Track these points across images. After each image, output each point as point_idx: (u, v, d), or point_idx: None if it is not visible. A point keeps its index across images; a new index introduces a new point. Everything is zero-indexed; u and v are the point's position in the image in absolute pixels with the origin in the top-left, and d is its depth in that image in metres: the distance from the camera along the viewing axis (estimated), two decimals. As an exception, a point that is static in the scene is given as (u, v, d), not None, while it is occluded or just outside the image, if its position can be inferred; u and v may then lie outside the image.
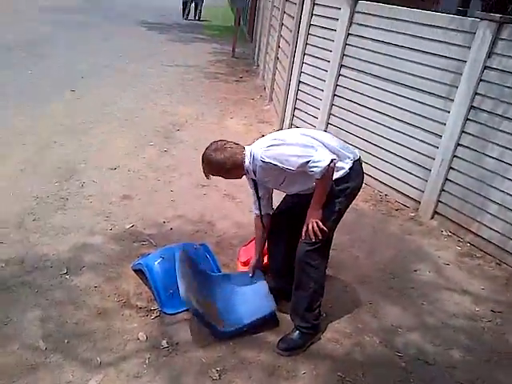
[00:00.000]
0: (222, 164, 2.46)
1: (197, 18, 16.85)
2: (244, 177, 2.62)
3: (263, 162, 2.38)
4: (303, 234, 2.47)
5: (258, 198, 2.68)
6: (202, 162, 2.51)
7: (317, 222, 2.42)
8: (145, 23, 14.62)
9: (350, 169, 2.49)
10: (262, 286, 2.83)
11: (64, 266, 3.01)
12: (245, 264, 3.19)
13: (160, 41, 12.12)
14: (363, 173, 2.65)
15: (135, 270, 3.00)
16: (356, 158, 2.57)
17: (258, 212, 2.73)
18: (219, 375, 2.32)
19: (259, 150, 2.42)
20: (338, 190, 2.47)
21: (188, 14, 16.70)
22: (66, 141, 5.07)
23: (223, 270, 3.08)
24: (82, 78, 7.70)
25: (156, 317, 2.67)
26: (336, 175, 2.41)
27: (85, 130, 5.48)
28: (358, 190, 2.64)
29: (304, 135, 2.48)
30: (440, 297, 3.20)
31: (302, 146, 2.37)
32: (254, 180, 2.60)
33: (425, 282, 3.36)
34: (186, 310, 2.73)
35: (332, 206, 2.48)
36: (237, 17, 12.05)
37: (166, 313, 2.70)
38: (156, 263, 2.88)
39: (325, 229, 2.43)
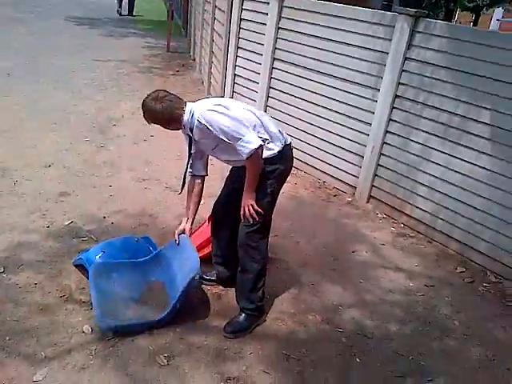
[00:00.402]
0: (159, 114, 2.48)
1: (130, 12, 16.45)
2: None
3: (199, 122, 2.43)
4: (241, 217, 2.55)
5: (189, 155, 2.67)
6: (142, 107, 2.51)
7: (252, 205, 2.51)
8: (75, 18, 14.06)
9: (279, 152, 2.58)
10: (188, 251, 2.75)
11: (0, 264, 2.90)
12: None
13: (91, 36, 11.72)
14: (293, 158, 2.77)
15: (76, 266, 2.94)
16: (287, 143, 2.68)
17: (190, 170, 2.73)
18: (167, 361, 2.35)
19: (199, 109, 2.45)
20: (268, 172, 2.56)
21: (120, 8, 16.30)
22: (-6, 139, 4.83)
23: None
24: (8, 76, 7.32)
25: (101, 309, 2.64)
26: (266, 154, 2.51)
27: (15, 127, 5.24)
28: (288, 173, 2.76)
29: (247, 110, 2.55)
30: (377, 275, 3.40)
31: (239, 122, 2.42)
32: (189, 136, 2.60)
33: (362, 262, 3.55)
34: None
35: (264, 187, 2.57)
36: (170, 11, 11.90)
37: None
38: (98, 257, 2.84)
39: (259, 210, 2.52)
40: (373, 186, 4.39)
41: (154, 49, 11.10)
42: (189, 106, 2.53)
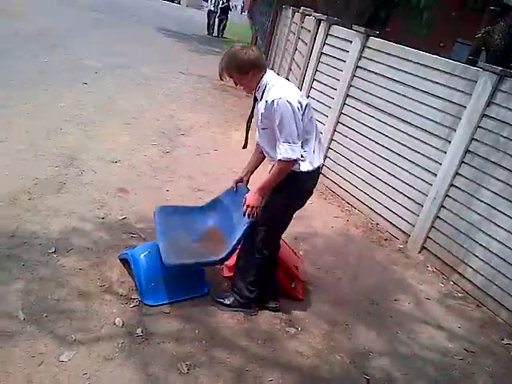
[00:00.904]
0: (243, 62, 2.52)
1: (220, 34, 17.14)
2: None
3: (272, 103, 2.45)
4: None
5: (251, 115, 2.78)
6: (224, 56, 2.57)
7: (252, 207, 2.66)
8: (166, 30, 14.89)
9: (314, 169, 2.67)
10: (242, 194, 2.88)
11: (53, 245, 3.05)
12: (230, 269, 3.23)
13: (177, 48, 12.34)
14: (318, 179, 2.86)
15: (121, 260, 3.04)
16: (321, 164, 2.78)
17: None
18: (187, 369, 2.35)
19: (281, 93, 2.46)
20: (296, 181, 2.64)
21: (213, 30, 17.06)
22: (72, 130, 5.15)
23: (208, 271, 3.11)
24: (96, 74, 7.84)
25: (135, 306, 2.71)
26: (303, 166, 2.60)
27: (92, 121, 5.57)
28: (310, 194, 2.86)
29: (312, 123, 2.65)
30: (416, 328, 3.25)
31: (299, 130, 2.48)
32: (255, 99, 2.68)
33: (403, 313, 3.41)
34: (166, 304, 2.78)
35: (284, 194, 2.68)
36: (254, 36, 12.31)
37: (145, 304, 2.74)
38: (142, 255, 2.91)
39: (255, 213, 2.68)
40: (428, 237, 4.24)
41: (234, 69, 11.45)
42: (269, 76, 2.59)
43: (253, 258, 2.81)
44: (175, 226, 3.03)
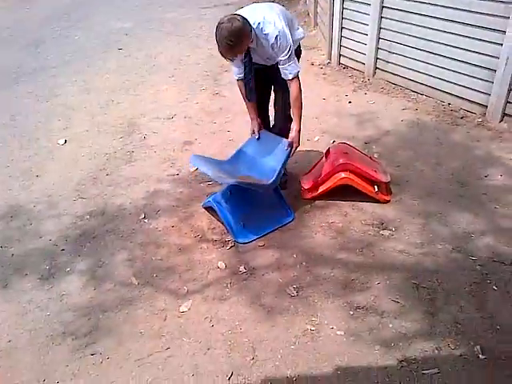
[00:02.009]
0: (243, 35, 2.60)
1: None
2: None
3: (276, 38, 2.67)
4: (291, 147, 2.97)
5: (249, 65, 2.89)
6: (222, 40, 2.56)
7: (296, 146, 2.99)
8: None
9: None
10: (270, 139, 3.10)
11: (141, 211, 3.23)
12: (309, 190, 3.25)
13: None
14: None
15: (206, 208, 3.16)
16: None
17: (241, 75, 2.98)
18: (297, 292, 2.46)
19: (275, 25, 2.69)
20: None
21: None
22: (122, 98, 5.25)
23: (289, 200, 3.15)
24: (126, 35, 7.79)
25: (231, 247, 2.83)
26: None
27: (138, 84, 5.62)
28: None
29: (292, 24, 2.96)
30: (514, 199, 3.11)
31: (293, 46, 2.79)
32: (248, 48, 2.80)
33: (497, 187, 3.26)
34: (259, 238, 2.88)
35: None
36: None
37: (239, 242, 2.85)
38: (224, 199, 3.00)
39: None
40: (508, 101, 3.92)
41: (257, -14, 10.83)
42: (250, 19, 2.66)
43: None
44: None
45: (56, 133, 4.48)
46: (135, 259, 2.79)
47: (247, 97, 3.10)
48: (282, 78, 2.89)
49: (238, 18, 2.61)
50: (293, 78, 2.84)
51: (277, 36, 2.68)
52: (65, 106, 5.12)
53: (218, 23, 2.60)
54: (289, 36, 2.73)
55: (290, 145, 2.95)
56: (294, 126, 2.96)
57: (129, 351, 2.19)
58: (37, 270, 2.76)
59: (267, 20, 2.70)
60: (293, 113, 2.97)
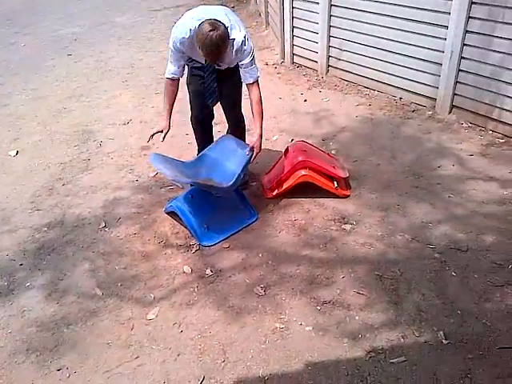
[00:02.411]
0: (227, 35, 2.59)
1: None
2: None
3: (243, 45, 2.72)
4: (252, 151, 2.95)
5: (207, 67, 2.95)
6: (218, 44, 2.51)
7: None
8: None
9: None
10: (233, 143, 3.10)
11: (101, 220, 3.16)
12: (271, 189, 3.28)
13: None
14: None
15: (168, 213, 3.13)
16: None
17: (176, 75, 2.92)
18: (264, 291, 2.48)
19: (240, 33, 2.72)
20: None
21: None
22: (74, 105, 5.11)
23: (252, 200, 3.17)
24: (76, 40, 7.59)
25: (196, 250, 2.81)
26: None
27: (90, 90, 5.49)
28: None
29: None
30: (467, 187, 3.24)
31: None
32: None
33: (450, 176, 3.39)
34: (224, 240, 2.88)
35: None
36: None
37: (204, 245, 2.84)
38: (187, 202, 2.98)
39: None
40: (455, 94, 4.09)
41: (207, -13, 10.80)
42: (223, 22, 2.61)
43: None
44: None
45: (6, 144, 4.32)
46: (98, 269, 2.72)
47: (206, 99, 3.10)
48: (231, 81, 2.99)
49: (219, 23, 2.55)
50: (253, 82, 2.87)
51: (243, 41, 2.72)
52: (14, 115, 4.93)
53: (205, 31, 2.48)
54: (251, 40, 2.78)
55: (252, 149, 2.93)
56: (256, 130, 2.95)
57: (96, 363, 2.15)
58: (-6, 287, 2.65)
59: (233, 25, 2.70)
60: (255, 118, 2.95)
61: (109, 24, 8.38)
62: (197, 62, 2.96)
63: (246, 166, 2.96)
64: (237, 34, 2.70)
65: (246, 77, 2.87)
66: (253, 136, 2.99)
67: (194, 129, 3.38)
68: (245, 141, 3.26)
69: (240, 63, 2.83)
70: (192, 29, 2.66)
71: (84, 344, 2.25)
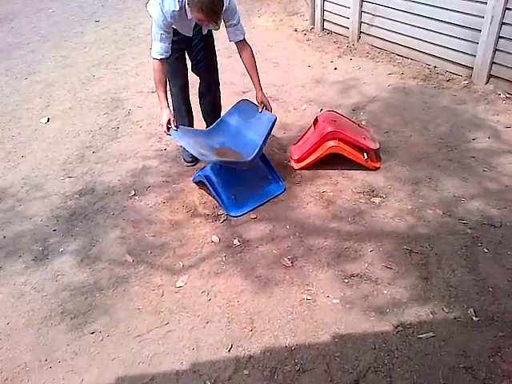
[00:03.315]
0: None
1: None
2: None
3: (228, 2, 2.67)
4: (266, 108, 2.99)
5: (196, 34, 2.97)
6: (216, 3, 2.46)
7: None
8: None
9: None
10: (253, 110, 3.04)
11: (131, 188, 3.20)
12: (298, 161, 3.25)
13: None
14: None
15: (196, 183, 3.14)
16: None
17: (167, 54, 2.80)
18: (291, 262, 2.49)
19: None
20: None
21: None
22: (103, 72, 5.12)
23: (280, 171, 3.14)
24: (103, 6, 7.54)
25: (224, 220, 2.83)
26: None
27: (118, 57, 5.49)
28: None
29: None
30: (502, 161, 3.14)
31: None
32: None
33: (484, 149, 3.29)
34: (251, 211, 2.88)
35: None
36: None
37: (232, 216, 2.85)
38: (214, 173, 2.98)
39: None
40: (493, 63, 3.92)
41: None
42: None
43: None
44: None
45: (38, 111, 4.38)
46: (128, 236, 2.78)
47: (195, 68, 3.15)
48: (209, 45, 3.09)
49: None
50: (243, 39, 2.89)
51: (230, 2, 2.69)
52: (45, 82, 4.98)
53: None
54: None
55: (274, 120, 2.91)
56: (257, 86, 2.97)
57: (128, 328, 2.21)
58: (30, 251, 2.74)
59: None
60: (252, 74, 2.96)
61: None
62: (182, 35, 2.91)
63: (267, 137, 2.92)
64: None
65: (235, 34, 2.85)
66: (263, 97, 2.97)
67: (178, 102, 3.24)
68: (219, 100, 3.40)
69: (228, 22, 2.80)
70: (180, 0, 2.60)
71: (116, 309, 2.31)
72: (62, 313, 2.32)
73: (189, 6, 2.58)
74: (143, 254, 2.64)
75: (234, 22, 2.80)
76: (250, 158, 2.78)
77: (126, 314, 2.28)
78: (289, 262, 2.49)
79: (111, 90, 4.67)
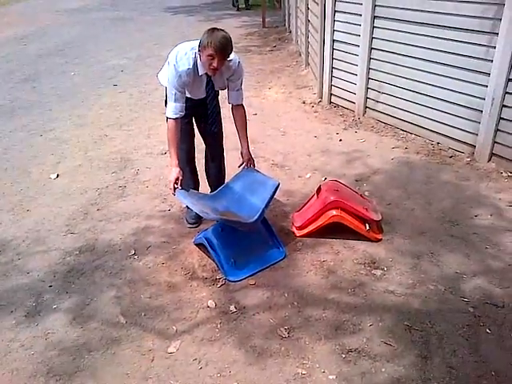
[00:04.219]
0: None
1: (247, 5, 14.32)
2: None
3: (238, 64, 2.94)
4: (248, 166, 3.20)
5: (209, 91, 3.11)
6: (228, 41, 2.70)
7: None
8: (172, 8, 14.68)
9: None
10: (256, 177, 3.16)
11: (131, 247, 3.20)
12: (300, 228, 3.25)
13: (190, 23, 12.15)
14: None
15: (197, 245, 3.13)
16: None
17: (182, 113, 2.94)
18: (288, 333, 2.42)
19: (236, 57, 2.93)
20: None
21: (237, 1, 14.43)
22: (116, 133, 5.29)
23: (281, 237, 3.14)
24: (122, 72, 7.92)
25: (222, 285, 2.79)
26: None
27: (131, 119, 5.68)
28: None
29: None
30: (504, 239, 3.12)
31: None
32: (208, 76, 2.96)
33: (487, 226, 3.28)
34: (250, 276, 2.85)
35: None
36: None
37: (230, 280, 2.82)
38: (216, 235, 2.99)
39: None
40: (495, 142, 4.01)
41: (250, 27, 11.17)
42: None
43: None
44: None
45: (48, 167, 4.48)
46: (124, 297, 2.74)
47: (209, 127, 3.27)
48: (217, 107, 3.24)
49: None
50: (242, 102, 3.14)
51: (238, 62, 2.94)
52: (58, 140, 5.14)
53: (210, 33, 2.68)
54: None
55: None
56: (244, 145, 3.18)
57: (114, 394, 2.13)
58: (22, 306, 2.70)
59: None
60: (243, 131, 3.18)
61: (154, 57, 8.71)
62: (195, 100, 3.08)
63: (270, 201, 2.97)
64: (233, 55, 2.86)
65: (237, 97, 3.10)
66: (248, 151, 3.17)
67: (183, 166, 3.10)
68: (224, 164, 3.52)
69: (233, 84, 3.03)
70: (193, 57, 2.82)
71: (103, 372, 2.23)
72: (47, 373, 2.25)
73: (200, 53, 2.76)
74: (137, 315, 2.58)
75: (239, 86, 3.06)
76: (252, 220, 2.80)
77: (114, 379, 2.20)
78: (285, 333, 2.42)
79: (122, 150, 4.79)
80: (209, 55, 2.69)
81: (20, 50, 9.85)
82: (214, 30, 2.71)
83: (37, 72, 8.06)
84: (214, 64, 2.72)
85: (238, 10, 14.11)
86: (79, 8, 15.88)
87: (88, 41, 10.60)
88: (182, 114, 2.94)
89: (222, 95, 3.23)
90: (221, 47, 2.66)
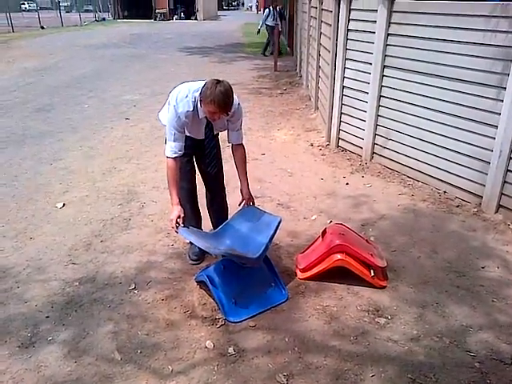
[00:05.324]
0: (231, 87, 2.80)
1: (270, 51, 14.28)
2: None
3: (238, 106, 2.98)
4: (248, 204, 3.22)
5: (208, 133, 3.16)
6: (230, 95, 2.72)
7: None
8: (188, 48, 15.13)
9: None
10: (258, 214, 3.18)
11: (132, 281, 3.16)
12: (304, 270, 3.21)
13: (203, 63, 12.50)
14: None
15: (198, 282, 3.09)
16: None
17: (181, 152, 2.98)
18: (287, 380, 2.34)
19: (236, 98, 2.93)
20: None
21: (267, 46, 14.66)
22: (124, 165, 5.34)
23: (283, 279, 3.10)
24: (135, 107, 8.09)
25: (221, 325, 2.73)
26: None
27: (141, 153, 5.75)
28: None
29: None
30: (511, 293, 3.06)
31: None
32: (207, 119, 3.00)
33: (494, 279, 3.22)
34: (250, 318, 2.79)
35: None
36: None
37: (230, 321, 2.76)
38: (217, 273, 2.95)
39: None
40: (502, 194, 4.00)
41: (262, 70, 11.46)
42: None
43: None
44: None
45: (55, 196, 4.50)
46: (120, 332, 2.68)
47: (206, 167, 3.28)
48: (217, 147, 3.29)
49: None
50: (242, 144, 3.19)
51: (238, 104, 2.99)
52: (67, 170, 5.19)
53: (212, 86, 2.69)
54: None
55: (279, 222, 3.02)
56: (244, 183, 3.20)
57: None
58: (17, 336, 2.64)
59: None
60: (243, 169, 3.21)
61: (166, 94, 8.91)
62: (194, 140, 3.13)
63: (273, 237, 2.96)
64: (232, 98, 2.86)
65: (237, 137, 3.15)
66: (248, 190, 3.20)
67: (184, 204, 3.09)
68: (226, 203, 3.51)
69: (233, 125, 3.08)
70: (193, 100, 2.86)
71: (94, 411, 2.16)
72: (36, 409, 2.17)
73: (201, 103, 2.80)
74: (133, 352, 2.52)
75: (238, 127, 3.11)
76: (256, 256, 2.77)
77: (104, 419, 2.12)
78: (284, 380, 2.34)
79: (129, 183, 4.82)
80: (211, 111, 2.76)
81: (38, 81, 10.13)
82: (217, 83, 2.69)
83: (52, 103, 8.25)
84: (216, 117, 2.83)
85: (267, 54, 14.48)
86: (98, 44, 16.44)
87: (104, 75, 10.89)
88: (181, 153, 2.97)
89: (222, 135, 3.27)
90: (223, 105, 2.71)
